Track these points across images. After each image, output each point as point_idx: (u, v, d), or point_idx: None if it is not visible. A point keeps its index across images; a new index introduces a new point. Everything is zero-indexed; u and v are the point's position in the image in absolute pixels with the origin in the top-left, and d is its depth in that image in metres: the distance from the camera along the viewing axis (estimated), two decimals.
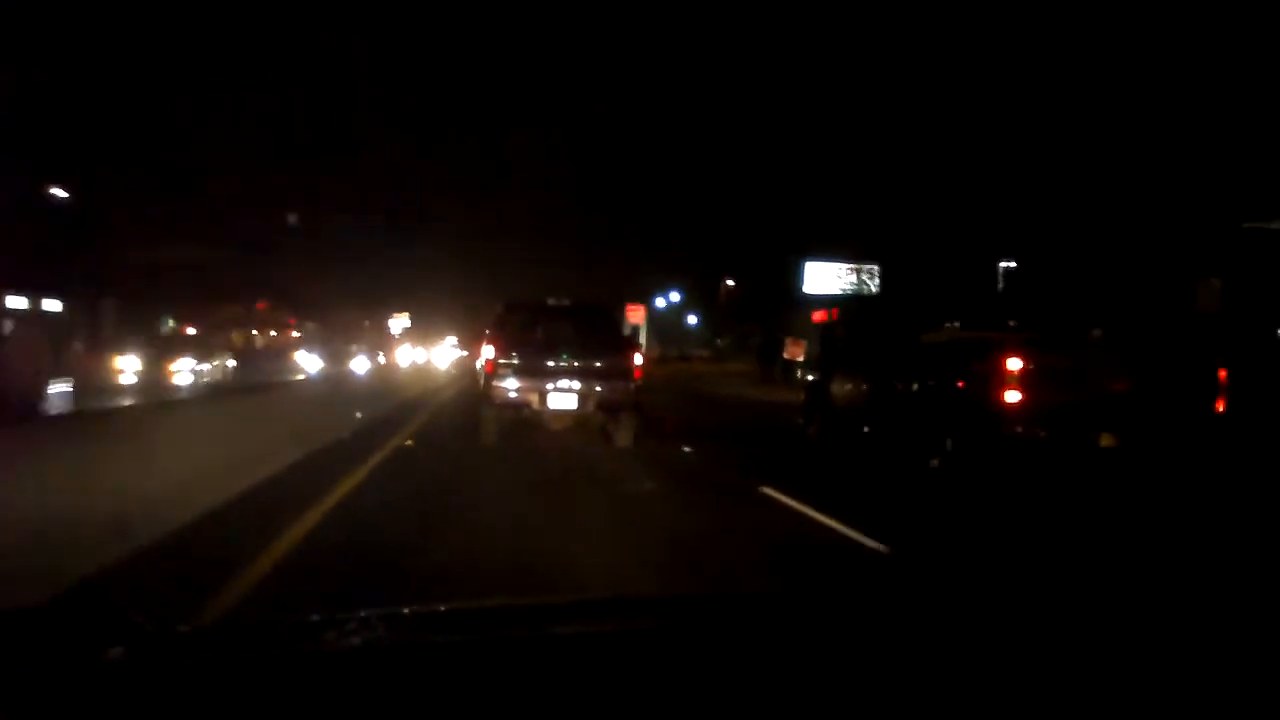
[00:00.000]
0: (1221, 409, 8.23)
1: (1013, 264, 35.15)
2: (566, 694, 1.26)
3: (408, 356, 56.82)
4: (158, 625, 1.39)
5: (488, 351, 11.46)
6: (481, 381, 11.64)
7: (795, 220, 48.53)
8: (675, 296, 74.70)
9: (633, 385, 11.44)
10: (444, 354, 62.76)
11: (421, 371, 41.21)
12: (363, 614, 1.64)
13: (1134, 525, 6.93)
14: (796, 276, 47.65)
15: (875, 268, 46.93)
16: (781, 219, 49.61)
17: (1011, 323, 11.05)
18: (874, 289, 46.88)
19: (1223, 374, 8.33)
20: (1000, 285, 35.08)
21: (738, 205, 54.06)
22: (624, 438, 11.45)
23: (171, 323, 70.83)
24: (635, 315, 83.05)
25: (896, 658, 1.46)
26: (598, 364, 11.41)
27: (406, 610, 1.83)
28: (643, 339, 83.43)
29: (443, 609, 1.89)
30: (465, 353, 79.50)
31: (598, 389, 11.28)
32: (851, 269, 46.93)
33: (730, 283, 51.04)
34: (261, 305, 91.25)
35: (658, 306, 78.10)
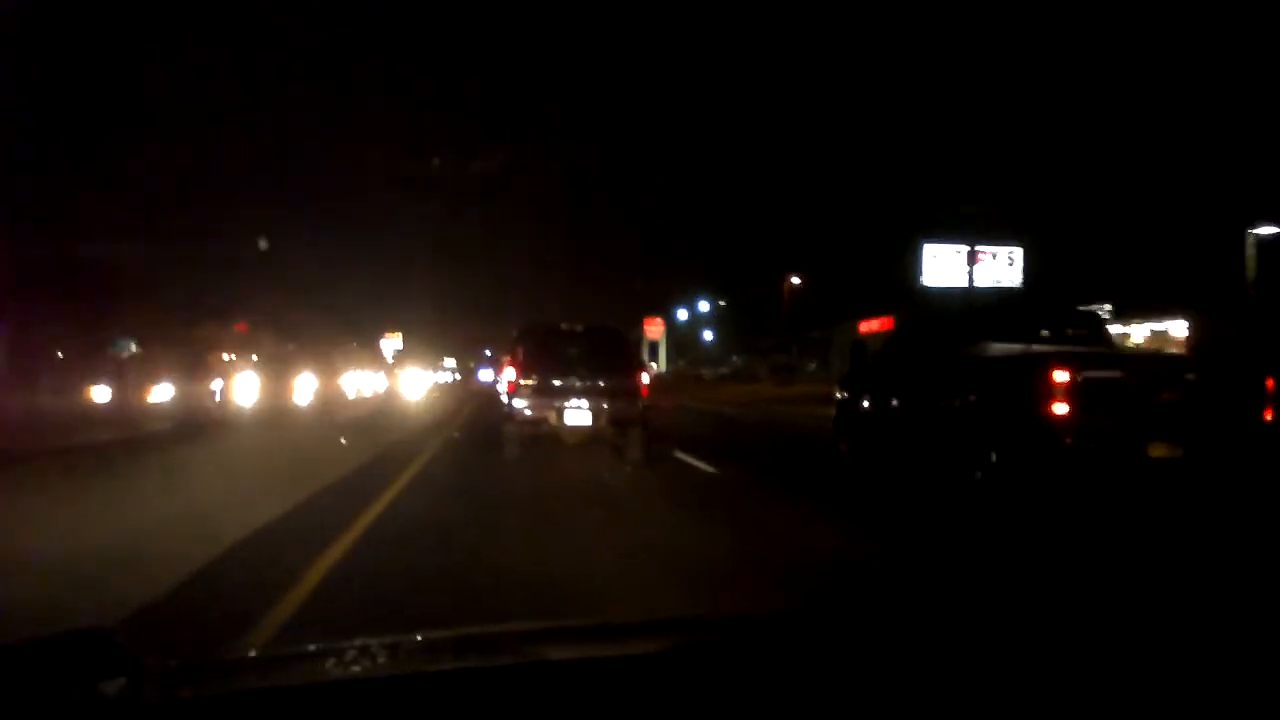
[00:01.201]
0: (1270, 418, 8.21)
1: (1274, 230, 23.00)
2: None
3: (310, 385, 34.98)
4: (155, 660, 1.40)
5: (509, 374, 12.35)
6: (504, 401, 12.37)
7: (899, 192, 38.15)
8: (697, 307, 66.33)
9: (641, 403, 12.35)
10: (417, 380, 51.93)
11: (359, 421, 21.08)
12: (362, 643, 1.65)
13: (1185, 537, 7.09)
14: (913, 263, 37.72)
15: (1016, 251, 37.46)
16: (874, 192, 39.57)
17: (1044, 332, 10.04)
18: (1017, 280, 37.05)
19: (1270, 383, 8.33)
20: (1252, 263, 23.07)
21: (805, 183, 44.44)
22: (633, 452, 12.08)
23: (134, 346, 63.36)
24: (654, 330, 75.26)
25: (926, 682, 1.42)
26: (609, 383, 12.17)
27: (408, 638, 1.84)
28: (662, 355, 75.55)
29: (446, 635, 1.94)
30: (459, 377, 73.08)
31: (610, 406, 12.08)
32: (986, 252, 37.51)
33: (796, 280, 41.15)
34: (241, 326, 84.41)
35: (680, 319, 69.96)
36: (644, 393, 12.47)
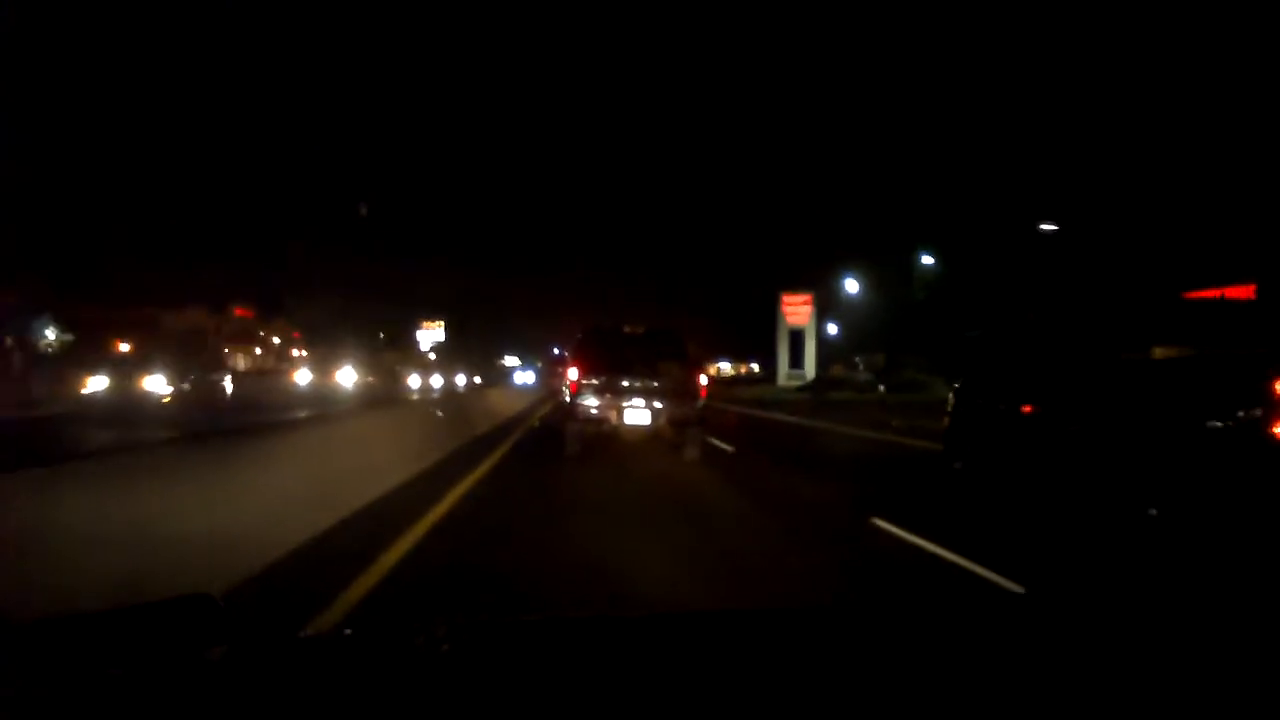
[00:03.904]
0: None
1: None
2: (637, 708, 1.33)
3: None
4: (258, 628, 1.51)
5: (572, 373, 12.67)
6: (567, 399, 12.83)
7: None
8: (917, 259, 42.87)
9: (699, 404, 12.55)
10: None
11: None
12: (450, 623, 1.77)
13: None
14: None
15: None
16: None
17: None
18: None
19: None
20: None
21: None
22: (691, 452, 12.37)
23: (53, 332, 46.96)
24: (796, 312, 54.22)
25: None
26: (668, 384, 12.39)
27: (496, 620, 2.04)
28: (809, 351, 54.69)
29: (525, 620, 2.09)
30: (478, 381, 55.75)
31: (668, 407, 12.28)
32: None
33: None
34: (243, 311, 67.65)
35: (849, 291, 47.28)
36: (703, 394, 12.77)
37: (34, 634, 1.37)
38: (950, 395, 10.96)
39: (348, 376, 43.03)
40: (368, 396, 35.27)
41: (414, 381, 42.61)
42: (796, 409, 30.63)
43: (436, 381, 44.65)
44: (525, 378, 49.99)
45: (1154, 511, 7.22)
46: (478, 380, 50.46)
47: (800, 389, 45.07)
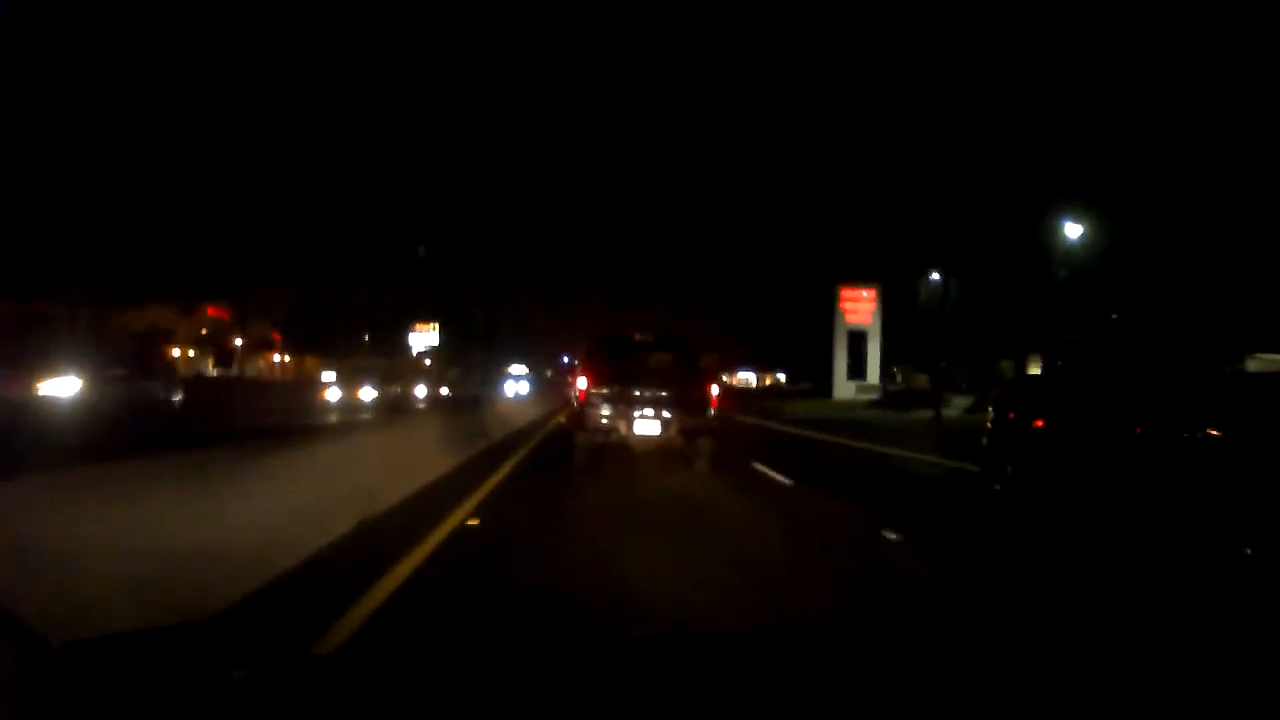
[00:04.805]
0: None
1: None
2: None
3: None
4: (281, 649, 1.64)
5: (581, 383, 12.72)
6: (576, 409, 12.93)
7: None
8: (1063, 228, 33.21)
9: (711, 413, 12.53)
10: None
11: None
12: (470, 644, 1.86)
13: None
14: None
15: None
16: None
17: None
18: None
19: None
20: None
21: None
22: (702, 463, 12.26)
23: None
24: (857, 308, 46.47)
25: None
26: (679, 394, 12.43)
27: (506, 640, 2.11)
28: (873, 354, 47.04)
29: (550, 639, 2.16)
30: (445, 391, 48.89)
31: (678, 417, 12.27)
32: None
33: None
34: (215, 311, 61.02)
35: (932, 280, 39.16)
36: (714, 404, 12.62)
37: (70, 657, 1.39)
38: (990, 409, 10.29)
39: (67, 387, 27.23)
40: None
41: (334, 394, 34.00)
42: (922, 442, 17.63)
43: (369, 394, 36.21)
44: (518, 388, 42.70)
45: (1249, 551, 6.29)
46: (445, 392, 42.24)
47: (874, 404, 37.59)
